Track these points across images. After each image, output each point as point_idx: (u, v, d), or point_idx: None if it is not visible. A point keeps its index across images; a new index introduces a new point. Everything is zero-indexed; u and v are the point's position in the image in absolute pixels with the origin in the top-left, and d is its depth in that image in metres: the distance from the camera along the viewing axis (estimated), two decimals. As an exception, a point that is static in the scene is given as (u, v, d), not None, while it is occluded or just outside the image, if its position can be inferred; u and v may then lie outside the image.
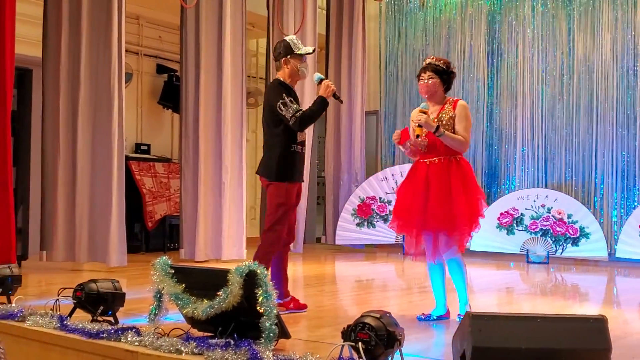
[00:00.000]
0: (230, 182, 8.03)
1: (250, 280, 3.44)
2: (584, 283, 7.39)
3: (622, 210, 8.66)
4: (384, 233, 9.61)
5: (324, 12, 10.29)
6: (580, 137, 8.97)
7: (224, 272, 3.54)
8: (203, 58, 7.95)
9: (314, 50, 5.07)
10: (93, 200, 7.02)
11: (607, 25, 8.82)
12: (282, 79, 4.87)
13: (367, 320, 3.25)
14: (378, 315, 3.28)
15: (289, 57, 4.85)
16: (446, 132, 4.45)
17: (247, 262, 3.50)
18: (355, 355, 3.23)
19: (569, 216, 8.59)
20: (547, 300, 5.79)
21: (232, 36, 8.12)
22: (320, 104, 4.79)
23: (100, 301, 4.10)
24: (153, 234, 8.94)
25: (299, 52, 4.84)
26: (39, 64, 7.23)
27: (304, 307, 4.99)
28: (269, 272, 4.05)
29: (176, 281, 3.74)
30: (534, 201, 8.73)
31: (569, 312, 5.09)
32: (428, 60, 4.67)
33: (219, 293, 3.50)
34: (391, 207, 9.53)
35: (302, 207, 9.22)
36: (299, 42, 4.91)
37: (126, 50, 7.57)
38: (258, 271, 3.44)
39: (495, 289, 5.95)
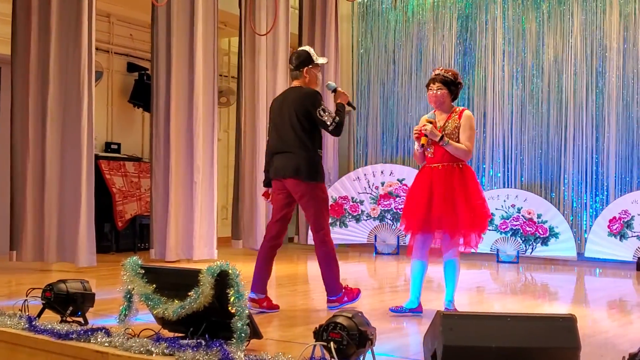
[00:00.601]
0: (202, 181, 7.99)
1: (222, 281, 3.43)
2: (554, 282, 7.47)
3: (591, 211, 8.77)
4: (356, 233, 9.63)
5: (297, 11, 10.28)
6: (550, 138, 9.07)
7: (195, 272, 3.51)
8: (174, 56, 7.90)
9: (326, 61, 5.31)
10: (62, 199, 6.94)
11: (576, 26, 8.93)
12: (308, 87, 5.08)
13: (339, 319, 3.25)
14: (350, 315, 3.28)
15: (310, 66, 5.06)
16: (450, 141, 4.70)
17: (218, 262, 3.48)
18: (327, 355, 3.23)
19: (539, 216, 8.69)
20: (517, 300, 5.84)
21: (203, 35, 8.08)
22: (343, 111, 5.06)
23: (69, 302, 4.05)
24: (123, 233, 8.86)
25: (318, 61, 5.08)
26: (8, 61, 7.15)
27: (277, 307, 5.02)
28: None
29: (147, 281, 3.71)
30: (504, 201, 8.82)
31: (539, 311, 5.15)
32: (437, 72, 4.87)
33: (190, 293, 3.48)
34: (363, 207, 9.59)
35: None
36: (315, 53, 5.15)
37: (96, 48, 7.50)
38: (230, 271, 3.43)
39: (466, 289, 5.99)
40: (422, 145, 4.77)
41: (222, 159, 9.93)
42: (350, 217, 9.66)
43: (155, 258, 7.72)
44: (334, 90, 5.15)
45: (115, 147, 9.38)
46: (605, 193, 8.71)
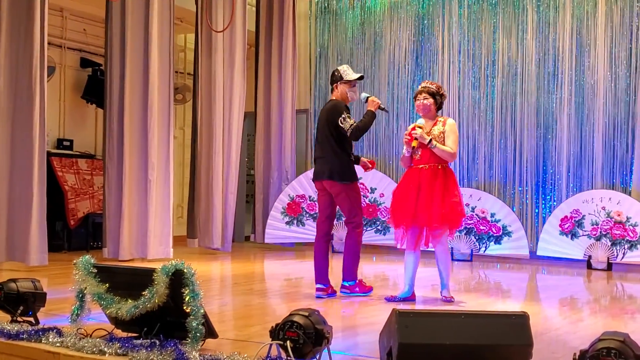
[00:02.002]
0: (157, 179, 7.90)
1: (177, 280, 3.40)
2: (507, 280, 7.58)
3: (544, 210, 8.92)
4: (313, 231, 9.60)
5: (254, 9, 10.24)
6: (503, 138, 9.19)
7: (150, 272, 3.48)
8: (129, 52, 7.80)
9: (361, 77, 5.84)
10: (12, 197, 6.80)
11: (530, 28, 9.07)
12: (339, 100, 5.74)
13: (296, 318, 3.25)
14: (307, 314, 3.28)
15: (339, 83, 5.75)
16: (437, 144, 5.30)
17: (173, 261, 3.44)
18: (283, 354, 3.22)
19: (492, 215, 8.81)
20: (470, 297, 5.91)
21: (159, 31, 7.98)
22: (370, 117, 5.63)
23: (20, 301, 3.98)
24: (75, 232, 8.72)
25: (347, 78, 5.72)
26: (-44, 55, 6.96)
27: (335, 292, 5.69)
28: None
29: (99, 281, 3.67)
30: (459, 200, 8.90)
31: (492, 309, 5.21)
32: (423, 84, 5.54)
33: (144, 293, 3.44)
34: (320, 206, 9.59)
35: (230, 205, 9.17)
36: (350, 69, 5.77)
37: (49, 43, 7.37)
38: (185, 270, 3.40)
39: (422, 287, 6.04)
40: (413, 148, 5.34)
41: (178, 157, 9.83)
42: (307, 215, 9.66)
43: (109, 257, 7.61)
44: (366, 100, 5.73)
45: (68, 144, 9.22)
46: (557, 193, 8.87)
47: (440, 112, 5.61)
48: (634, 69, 8.47)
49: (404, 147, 5.47)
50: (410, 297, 5.47)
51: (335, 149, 5.68)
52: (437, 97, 5.46)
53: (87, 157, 9.22)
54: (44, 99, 6.92)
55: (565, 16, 8.87)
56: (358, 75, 5.80)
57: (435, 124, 5.45)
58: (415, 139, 5.33)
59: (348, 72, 5.75)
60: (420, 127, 5.37)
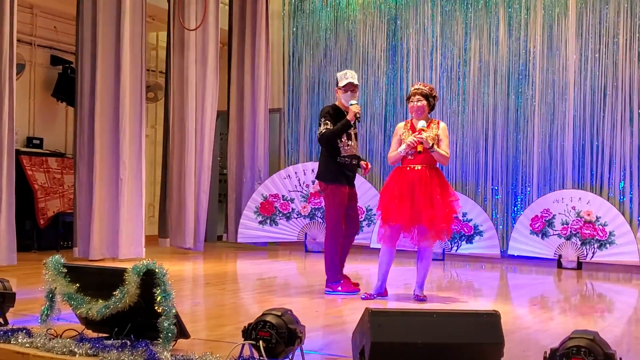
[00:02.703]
0: (129, 178, 7.83)
1: (148, 280, 3.37)
2: (478, 279, 7.64)
3: (515, 209, 9.00)
4: (286, 231, 9.63)
5: (227, 7, 10.20)
6: (474, 138, 9.27)
7: (120, 271, 3.45)
8: (100, 50, 7.72)
9: (349, 84, 5.81)
10: (-19, 196, 6.70)
11: (501, 30, 9.14)
12: (336, 104, 5.91)
13: (268, 318, 3.24)
14: (279, 313, 3.28)
15: (336, 87, 5.93)
16: (437, 148, 5.42)
17: (144, 261, 3.42)
18: (255, 354, 3.21)
19: (464, 214, 8.86)
20: (442, 296, 5.95)
21: (131, 28, 7.91)
22: (341, 125, 5.72)
23: (-12, 302, 3.92)
24: (45, 231, 8.62)
25: (339, 84, 5.86)
26: None
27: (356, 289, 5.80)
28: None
29: (69, 280, 3.63)
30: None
31: (464, 308, 5.25)
32: (416, 86, 5.60)
33: (115, 293, 3.41)
34: (293, 205, 9.59)
35: (202, 204, 9.13)
36: (346, 75, 5.86)
37: (18, 40, 7.28)
38: (156, 270, 3.37)
39: (394, 286, 6.06)
40: (419, 152, 5.38)
41: (149, 156, 9.76)
42: (280, 215, 9.64)
43: (79, 257, 7.54)
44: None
45: (38, 142, 9.11)
46: (528, 192, 8.96)
47: (430, 114, 5.66)
48: (604, 69, 8.58)
49: (403, 147, 5.47)
50: (383, 293, 5.60)
51: (322, 151, 5.89)
52: (430, 99, 5.55)
53: (57, 156, 9.12)
54: (13, 97, 6.84)
55: (536, 17, 8.96)
56: (346, 82, 5.81)
57: (428, 127, 5.50)
58: (421, 143, 5.37)
59: (341, 78, 5.86)
60: (424, 130, 5.42)
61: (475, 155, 9.26)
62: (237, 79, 10.16)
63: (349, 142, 5.81)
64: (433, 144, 5.39)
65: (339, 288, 5.75)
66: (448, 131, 5.66)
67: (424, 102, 5.49)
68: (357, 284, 5.88)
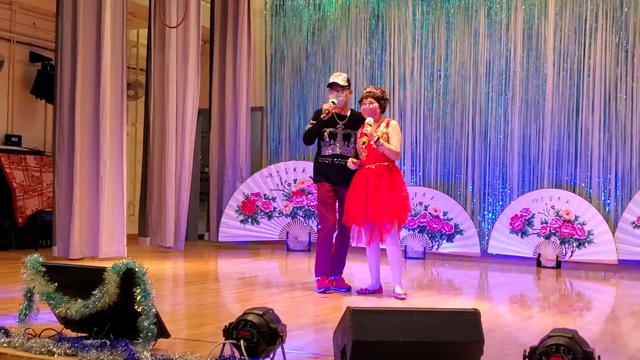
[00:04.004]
0: (109, 176, 7.78)
1: (128, 279, 3.34)
2: (458, 278, 7.67)
3: (495, 208, 9.04)
4: (268, 230, 9.61)
5: (208, 5, 10.16)
6: (455, 138, 9.30)
7: (100, 271, 3.42)
8: (80, 47, 7.66)
9: (328, 85, 5.98)
10: (-42, 194, 6.62)
11: (482, 31, 9.19)
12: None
13: (250, 317, 3.23)
14: (260, 312, 3.27)
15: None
16: (384, 142, 5.57)
17: (124, 260, 3.39)
18: (237, 353, 3.20)
19: (445, 213, 8.91)
20: (423, 295, 5.97)
21: (111, 25, 7.85)
22: (315, 124, 5.92)
23: (-36, 301, 3.88)
24: (24, 230, 8.53)
25: (327, 84, 6.03)
26: None
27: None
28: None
29: (48, 280, 3.59)
30: (412, 199, 8.95)
31: (444, 306, 5.27)
32: (368, 89, 5.82)
33: (94, 292, 3.39)
34: (275, 204, 9.58)
35: (183, 203, 9.09)
36: (332, 75, 6.02)
37: (-3, 37, 7.19)
38: (136, 269, 3.35)
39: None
40: (363, 143, 5.61)
41: (130, 154, 9.69)
42: (262, 214, 9.63)
43: (58, 255, 7.48)
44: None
45: (16, 140, 9.02)
46: (508, 191, 9.01)
47: (383, 115, 5.84)
48: (582, 70, 8.65)
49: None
50: (378, 290, 5.83)
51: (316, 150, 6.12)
52: (382, 101, 5.75)
53: (36, 154, 9.03)
54: (-8, 94, 6.77)
55: (517, 18, 9.01)
56: (331, 80, 5.96)
57: (378, 126, 5.70)
58: (365, 135, 5.62)
59: (330, 78, 6.04)
60: (369, 125, 5.64)
61: (456, 154, 9.30)
62: (219, 77, 10.13)
63: (331, 142, 5.88)
64: (378, 138, 5.54)
65: (323, 282, 5.85)
66: (399, 128, 5.88)
67: (376, 105, 5.69)
68: (332, 283, 5.91)
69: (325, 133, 5.88)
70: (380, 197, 5.55)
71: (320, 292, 5.76)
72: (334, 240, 5.96)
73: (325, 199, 5.89)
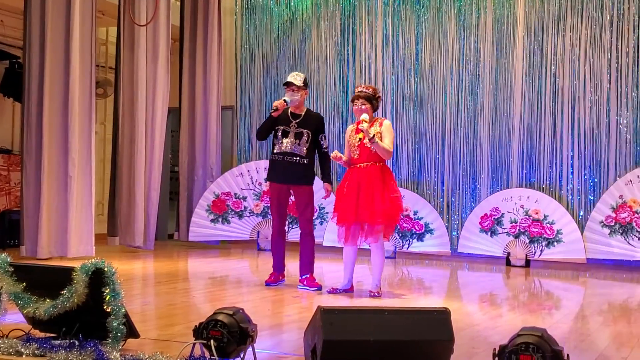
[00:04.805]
0: (78, 175, 7.69)
1: (97, 279, 3.32)
2: (428, 277, 7.72)
3: (464, 208, 9.10)
4: (238, 229, 9.58)
5: (178, 3, 10.10)
6: (426, 137, 9.35)
7: (68, 270, 3.39)
8: (49, 45, 7.56)
9: (288, 82, 6.04)
10: None
11: (452, 29, 9.25)
12: None
13: (220, 317, 3.22)
14: (231, 312, 3.26)
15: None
16: (377, 140, 5.54)
17: (93, 260, 3.36)
18: (207, 353, 3.19)
19: (415, 212, 8.95)
20: (394, 294, 5.99)
21: (80, 23, 7.76)
22: (265, 120, 6.16)
23: None
24: (-9, 229, 8.42)
25: (283, 83, 6.15)
26: None
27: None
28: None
29: (16, 279, 3.55)
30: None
31: (415, 305, 5.30)
32: (360, 89, 5.79)
33: (62, 292, 3.35)
34: (246, 203, 9.56)
35: (153, 202, 9.03)
36: (290, 75, 6.12)
37: (-38, 33, 7.07)
38: (105, 269, 3.32)
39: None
40: (359, 140, 5.62)
41: (99, 153, 9.59)
42: (233, 213, 9.59)
43: (26, 255, 7.38)
44: None
45: (-17, 138, 8.89)
46: (478, 191, 9.08)
47: (375, 113, 5.84)
48: (549, 70, 8.75)
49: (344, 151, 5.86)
50: (349, 289, 5.80)
51: None
52: (374, 101, 5.74)
53: (4, 153, 8.91)
54: (-43, 92, 6.65)
55: (486, 19, 9.09)
56: (287, 79, 6.08)
57: (372, 125, 5.66)
58: (361, 131, 5.56)
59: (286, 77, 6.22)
60: (365, 122, 5.57)
61: (426, 153, 9.35)
62: (189, 76, 10.07)
63: (283, 140, 5.99)
64: (374, 135, 5.52)
65: (305, 283, 6.03)
66: (392, 128, 5.84)
67: (368, 105, 5.69)
68: (280, 276, 6.21)
69: (278, 131, 6.02)
70: (373, 197, 5.53)
71: (266, 286, 6.09)
72: (299, 241, 6.11)
73: (272, 198, 6.18)
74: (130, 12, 8.59)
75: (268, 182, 6.30)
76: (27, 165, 7.55)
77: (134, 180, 8.77)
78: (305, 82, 6.06)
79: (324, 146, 6.11)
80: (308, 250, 6.05)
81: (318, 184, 6.37)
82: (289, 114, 6.05)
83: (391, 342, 3.10)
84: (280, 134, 6.01)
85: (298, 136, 5.99)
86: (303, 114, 6.08)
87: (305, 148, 6.00)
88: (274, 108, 5.93)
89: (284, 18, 10.24)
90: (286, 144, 5.97)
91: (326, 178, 6.11)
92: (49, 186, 7.53)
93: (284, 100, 5.97)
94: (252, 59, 10.42)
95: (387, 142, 5.62)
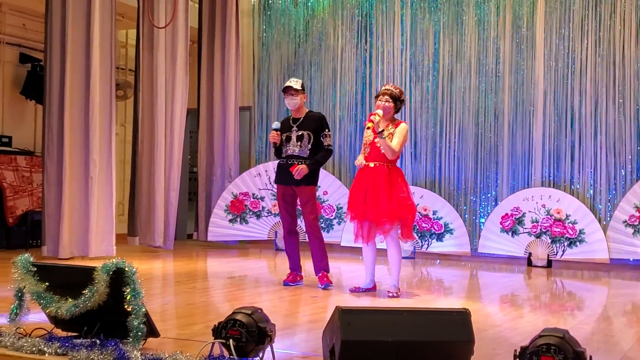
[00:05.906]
0: (99, 176, 7.76)
1: (118, 278, 3.34)
2: (448, 277, 7.69)
3: (485, 207, 9.05)
4: (256, 229, 9.61)
5: (197, 5, 10.14)
6: (445, 136, 9.31)
7: (90, 270, 3.42)
8: (70, 48, 7.63)
9: (287, 87, 6.19)
10: (-54, 194, 6.58)
11: (471, 27, 9.20)
12: None
13: (238, 316, 3.23)
14: (249, 312, 3.27)
15: None
16: (386, 138, 5.56)
17: (114, 260, 3.39)
18: (225, 353, 3.21)
19: (434, 212, 8.92)
20: (413, 294, 5.98)
21: (100, 26, 7.83)
22: (274, 148, 6.39)
23: (-46, 301, 3.86)
24: (14, 230, 8.51)
25: (282, 89, 6.31)
26: None
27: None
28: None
29: (39, 279, 3.59)
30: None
31: (434, 306, 5.28)
32: (387, 87, 5.82)
33: (84, 291, 3.38)
34: (264, 204, 9.58)
35: (172, 203, 9.08)
36: (288, 81, 6.26)
37: (-14, 37, 7.15)
38: (126, 269, 3.35)
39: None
40: (368, 128, 5.62)
41: (119, 154, 9.67)
42: (250, 213, 9.62)
43: (48, 255, 7.45)
44: None
45: (6, 140, 8.98)
46: (499, 190, 9.00)
47: (396, 116, 5.86)
48: (572, 67, 8.69)
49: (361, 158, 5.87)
50: (371, 288, 5.85)
51: None
52: (398, 102, 5.76)
53: (26, 154, 9.00)
54: (-20, 94, 6.73)
55: (505, 15, 9.04)
56: (285, 85, 6.26)
57: (388, 126, 5.70)
58: (372, 121, 5.55)
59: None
60: (378, 115, 5.57)
61: (446, 153, 9.31)
62: (207, 77, 10.11)
63: (287, 145, 6.20)
64: (383, 130, 5.56)
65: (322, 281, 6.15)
66: (407, 132, 5.87)
67: (391, 104, 5.70)
68: (297, 277, 6.30)
69: (283, 137, 6.23)
70: (379, 197, 5.58)
71: (284, 286, 6.18)
72: (307, 240, 6.26)
73: (279, 199, 6.38)
74: (150, 15, 8.64)
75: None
76: (48, 167, 7.63)
77: (154, 181, 8.83)
78: (302, 87, 6.25)
79: (325, 143, 6.19)
80: (315, 250, 6.19)
81: (317, 184, 6.48)
82: (290, 120, 6.28)
83: (409, 343, 3.09)
84: (284, 140, 6.22)
85: (299, 139, 6.17)
86: (303, 117, 6.25)
87: (307, 149, 6.16)
88: (273, 143, 6.23)
89: (301, 18, 10.25)
90: (290, 148, 6.19)
91: (309, 162, 6.08)
92: (70, 187, 7.60)
93: (273, 129, 6.20)
94: (269, 60, 10.45)
95: (394, 142, 5.64)
